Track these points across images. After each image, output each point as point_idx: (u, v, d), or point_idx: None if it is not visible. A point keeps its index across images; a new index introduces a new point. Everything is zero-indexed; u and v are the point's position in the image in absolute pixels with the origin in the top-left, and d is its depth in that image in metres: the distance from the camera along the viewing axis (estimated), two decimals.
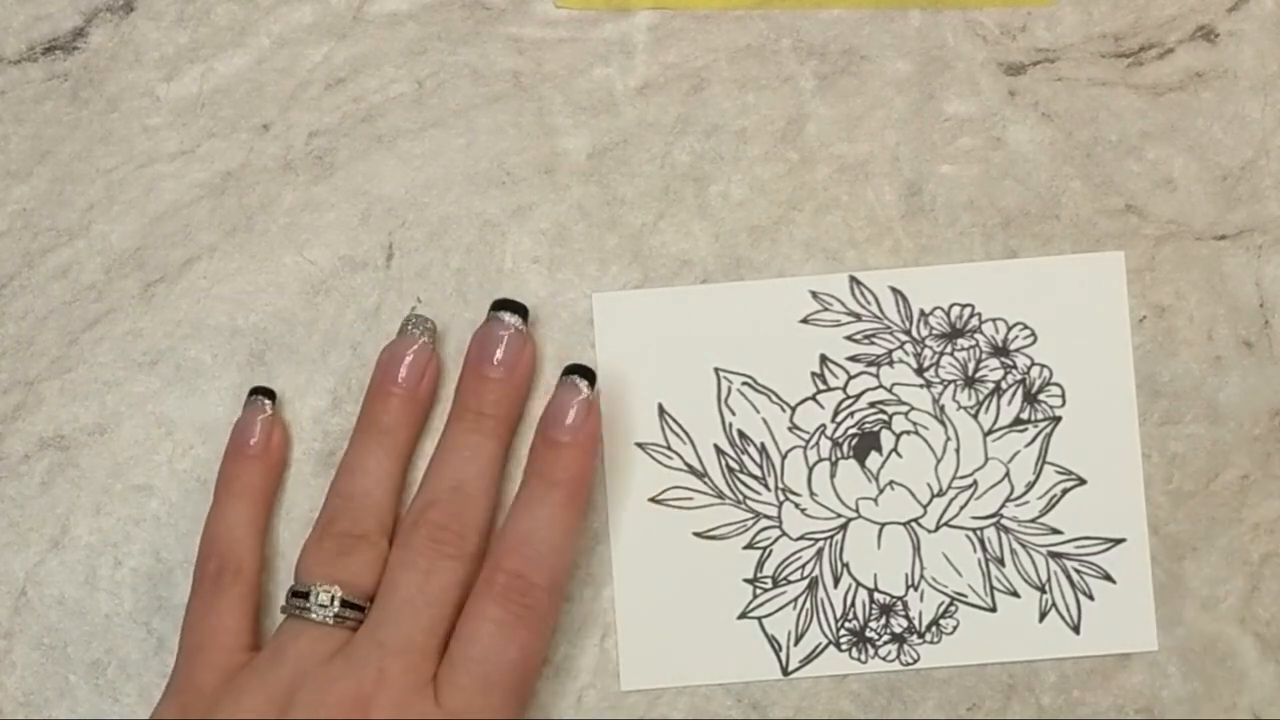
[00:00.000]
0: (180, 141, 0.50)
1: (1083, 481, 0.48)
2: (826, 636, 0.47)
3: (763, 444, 0.48)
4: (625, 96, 0.50)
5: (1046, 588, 0.47)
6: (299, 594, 0.44)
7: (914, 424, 0.48)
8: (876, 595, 0.47)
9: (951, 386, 0.48)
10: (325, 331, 0.49)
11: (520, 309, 0.47)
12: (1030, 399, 0.48)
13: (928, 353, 0.48)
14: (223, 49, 0.50)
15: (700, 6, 0.50)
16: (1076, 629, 0.47)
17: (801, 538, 0.47)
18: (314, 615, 0.43)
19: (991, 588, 0.47)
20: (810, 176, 0.49)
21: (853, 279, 0.48)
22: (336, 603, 0.43)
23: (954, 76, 0.50)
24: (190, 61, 0.50)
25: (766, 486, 0.48)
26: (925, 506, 0.47)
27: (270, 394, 0.48)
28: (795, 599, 0.47)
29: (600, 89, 0.50)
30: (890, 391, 0.48)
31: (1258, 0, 0.50)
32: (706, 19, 0.50)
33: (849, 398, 0.48)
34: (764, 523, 0.48)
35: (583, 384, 0.45)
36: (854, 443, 0.48)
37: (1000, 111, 0.49)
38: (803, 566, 0.47)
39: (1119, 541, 0.47)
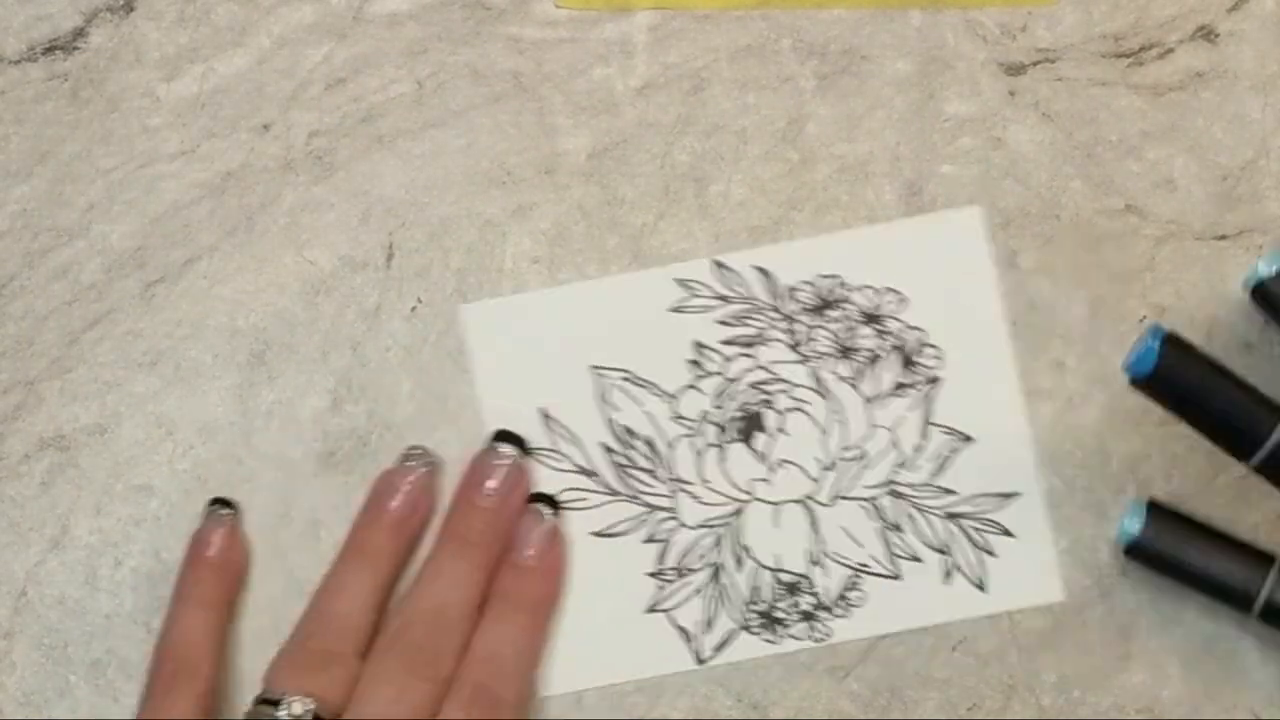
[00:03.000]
0: (180, 141, 0.50)
1: (970, 439, 0.48)
2: (736, 621, 0.47)
3: (649, 437, 0.48)
4: (625, 96, 0.50)
5: (948, 549, 0.47)
6: (267, 701, 0.43)
7: (796, 400, 0.48)
8: (781, 575, 0.47)
9: (828, 359, 0.48)
10: (325, 331, 0.49)
11: (519, 440, 0.47)
12: (908, 363, 0.48)
13: (800, 328, 0.48)
14: (223, 49, 0.50)
15: (700, 6, 0.50)
16: (982, 587, 0.47)
17: (699, 526, 0.47)
18: None
19: (893, 555, 0.47)
20: (810, 176, 0.49)
21: (716, 262, 0.48)
22: (309, 715, 0.43)
23: (954, 76, 0.50)
24: (190, 61, 0.50)
25: (658, 479, 0.48)
26: (817, 481, 0.48)
27: (229, 504, 0.48)
28: (700, 588, 0.47)
29: (600, 89, 0.50)
30: (768, 370, 0.48)
31: (1258, 0, 0.50)
32: (706, 19, 0.50)
33: (728, 381, 0.48)
34: (660, 515, 0.48)
35: (547, 512, 0.47)
36: (739, 425, 0.48)
37: (1000, 111, 0.49)
38: (703, 555, 0.47)
39: (1013, 496, 0.47)
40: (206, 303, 0.49)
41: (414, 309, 0.49)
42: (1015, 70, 0.50)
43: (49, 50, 0.51)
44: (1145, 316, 0.48)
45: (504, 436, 0.47)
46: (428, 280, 0.49)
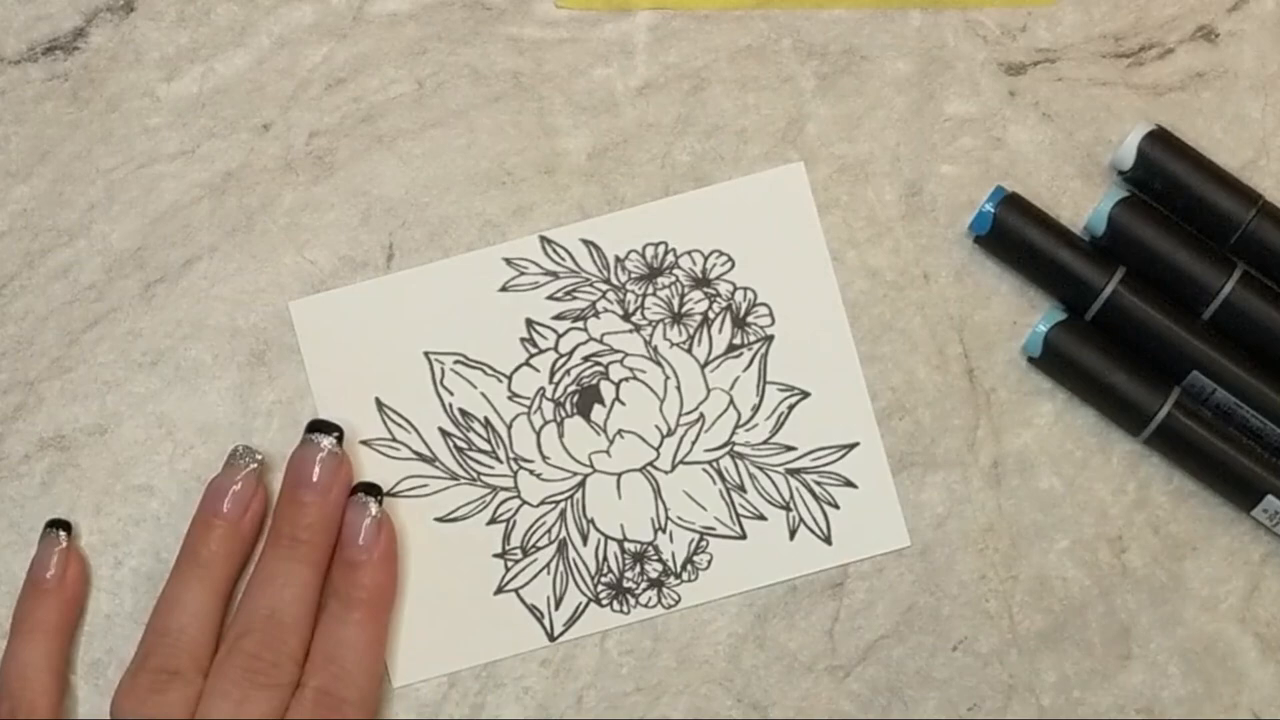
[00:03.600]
0: (180, 141, 0.50)
1: (806, 394, 0.48)
2: (585, 595, 0.47)
3: (486, 418, 0.48)
4: (625, 96, 0.50)
5: (791, 505, 0.48)
6: None
7: (631, 370, 0.48)
8: (626, 545, 0.47)
9: (660, 326, 0.48)
10: None
11: (335, 429, 0.47)
12: (740, 323, 0.48)
13: (630, 297, 0.48)
14: (223, 49, 0.50)
15: (700, 6, 0.50)
16: (828, 540, 0.47)
17: (542, 503, 0.48)
18: None
19: (738, 515, 0.47)
20: (810, 176, 0.49)
21: (543, 239, 0.49)
22: None
23: (954, 76, 0.50)
24: (190, 61, 0.50)
25: (498, 459, 0.48)
26: (658, 448, 0.48)
27: (66, 526, 0.47)
28: (548, 564, 0.47)
29: (600, 89, 0.50)
30: (601, 342, 0.48)
31: (1258, 0, 0.50)
32: (706, 19, 0.50)
33: (562, 356, 0.48)
34: (502, 495, 0.48)
35: (371, 502, 0.46)
36: (575, 399, 0.48)
37: (1000, 111, 0.49)
38: (549, 531, 0.47)
39: (852, 446, 0.48)
40: (206, 303, 0.49)
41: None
42: (1015, 70, 0.50)
43: (49, 50, 0.51)
44: None
45: (318, 427, 0.47)
46: None
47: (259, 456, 0.47)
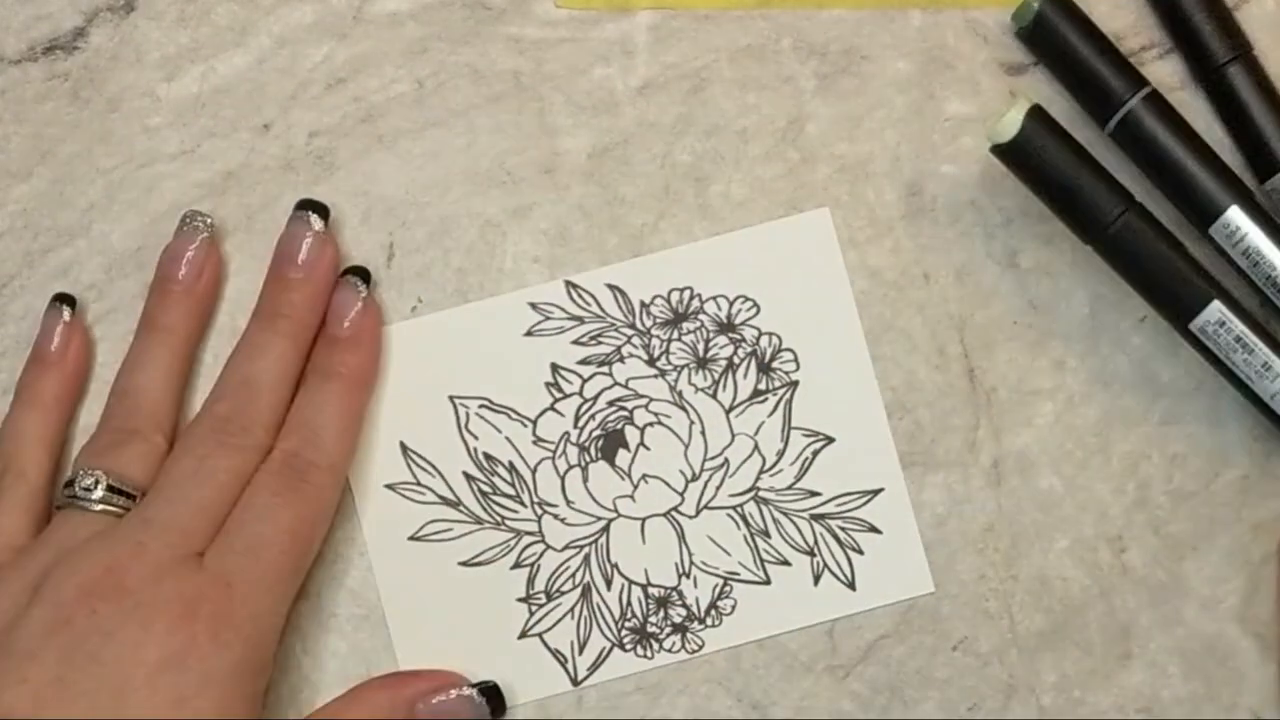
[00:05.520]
0: (180, 141, 0.50)
1: (831, 440, 0.48)
2: (609, 639, 0.47)
3: (511, 462, 0.48)
4: (626, 96, 0.50)
5: (816, 550, 0.47)
6: (68, 483, 0.44)
7: (655, 415, 0.48)
8: (650, 589, 0.47)
9: (685, 371, 0.48)
10: None
11: (321, 209, 0.47)
12: (765, 369, 0.48)
13: (655, 342, 0.48)
14: (223, 49, 0.50)
15: (701, 6, 0.50)
16: (852, 585, 0.47)
17: (566, 547, 0.47)
18: (80, 501, 0.43)
19: (762, 561, 0.47)
20: (810, 176, 0.49)
21: (568, 283, 0.49)
22: (101, 487, 0.43)
23: (954, 76, 0.50)
24: (190, 61, 0.50)
25: (522, 503, 0.48)
26: (682, 493, 0.48)
27: (71, 300, 0.48)
28: (572, 609, 0.47)
29: (601, 89, 0.50)
30: (626, 387, 0.48)
31: (1258, 0, 0.50)
32: (707, 19, 0.50)
33: (587, 400, 0.48)
34: (526, 539, 0.47)
35: (360, 284, 0.47)
36: (600, 444, 0.48)
37: (1000, 111, 0.49)
38: (573, 575, 0.47)
39: (877, 492, 0.48)
40: None
41: (414, 309, 0.49)
42: (1015, 70, 0.50)
43: (49, 50, 0.51)
44: (1145, 317, 0.48)
45: (307, 204, 0.47)
46: (428, 280, 0.49)
47: (210, 221, 0.48)
